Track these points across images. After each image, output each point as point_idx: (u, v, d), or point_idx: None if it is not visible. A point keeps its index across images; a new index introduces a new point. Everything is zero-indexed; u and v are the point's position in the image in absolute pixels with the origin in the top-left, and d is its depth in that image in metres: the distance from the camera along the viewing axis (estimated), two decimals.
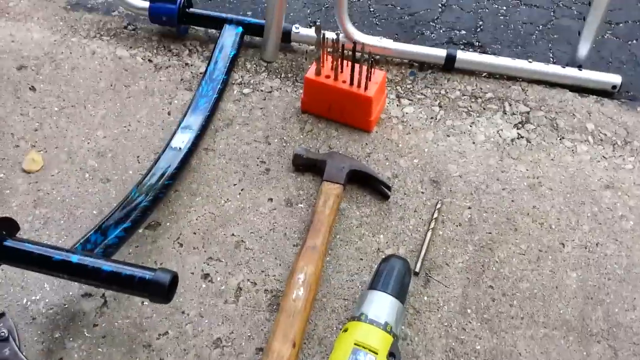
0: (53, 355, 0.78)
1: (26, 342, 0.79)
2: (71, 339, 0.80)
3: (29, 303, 0.83)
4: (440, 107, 1.15)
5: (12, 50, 1.20)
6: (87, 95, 1.14)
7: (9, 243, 0.75)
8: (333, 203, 0.94)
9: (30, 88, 1.14)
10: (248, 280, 0.88)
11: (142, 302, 0.84)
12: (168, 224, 0.94)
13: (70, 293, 0.85)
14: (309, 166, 1.02)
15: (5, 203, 0.95)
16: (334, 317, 0.84)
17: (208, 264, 0.89)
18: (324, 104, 1.10)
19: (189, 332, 0.82)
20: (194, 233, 0.93)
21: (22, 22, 1.27)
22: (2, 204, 0.95)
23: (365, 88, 1.05)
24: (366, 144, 1.07)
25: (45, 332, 0.80)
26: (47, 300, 0.84)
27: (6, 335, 0.78)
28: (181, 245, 0.92)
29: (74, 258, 0.73)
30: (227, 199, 0.98)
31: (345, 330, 0.75)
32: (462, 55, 1.21)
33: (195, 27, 1.29)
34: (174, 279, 0.73)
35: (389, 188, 0.98)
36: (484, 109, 1.16)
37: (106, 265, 0.73)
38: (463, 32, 1.37)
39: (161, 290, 0.72)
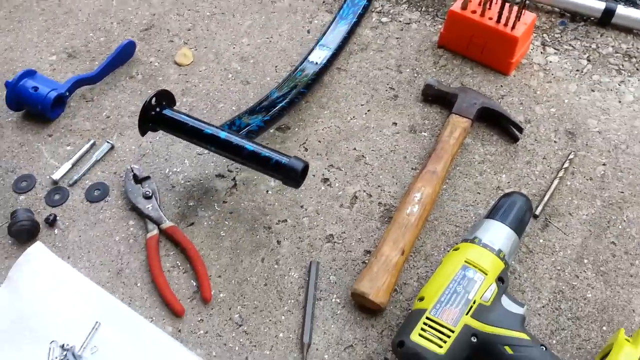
0: (186, 219, 0.91)
1: (165, 204, 0.92)
2: (203, 209, 0.92)
3: (170, 173, 0.96)
4: (589, 61, 1.12)
5: None
6: (236, 5, 1.24)
7: (167, 112, 0.87)
8: (459, 135, 0.97)
9: None
10: (364, 191, 0.95)
11: (267, 191, 0.94)
12: (296, 129, 1.03)
13: (206, 172, 0.97)
14: (438, 98, 1.05)
15: (158, 88, 1.09)
16: (443, 239, 0.88)
17: (328, 170, 0.97)
18: (463, 40, 1.11)
19: (305, 224, 0.90)
20: (319, 141, 1.01)
21: None
22: (156, 88, 1.09)
23: (513, 27, 1.04)
24: (501, 86, 1.08)
25: (182, 200, 0.93)
26: (185, 174, 0.96)
27: (150, 194, 0.92)
28: (306, 149, 1.00)
29: (222, 134, 0.84)
30: (353, 117, 1.05)
31: (456, 249, 0.79)
32: (623, 10, 1.15)
33: None
34: (305, 167, 0.82)
35: (520, 130, 0.99)
36: (638, 69, 1.10)
37: (249, 145, 0.83)
38: None
39: (294, 174, 0.80)
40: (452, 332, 0.70)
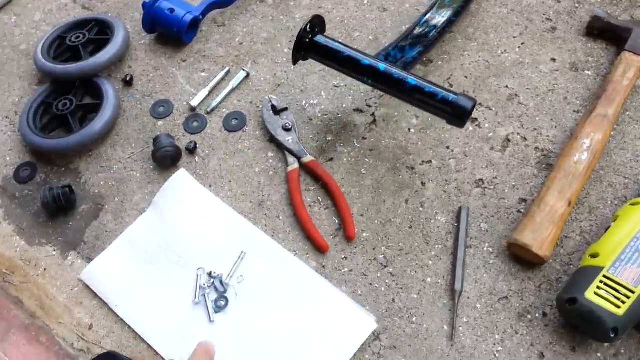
0: (325, 154, 0.90)
1: (303, 137, 0.92)
2: (342, 145, 0.90)
3: (307, 105, 0.95)
4: None
5: None
6: None
7: (321, 39, 0.83)
8: (633, 76, 0.88)
9: None
10: (518, 134, 0.89)
11: (409, 129, 0.91)
12: (440, 62, 0.97)
13: (344, 105, 0.94)
14: (605, 32, 0.95)
15: (290, 14, 1.06)
16: (610, 192, 0.82)
17: (477, 110, 0.92)
18: None
19: (452, 166, 0.87)
20: (465, 77, 0.95)
21: None
22: (287, 14, 1.06)
23: None
24: None
25: (320, 134, 0.92)
26: (322, 107, 0.94)
27: (290, 126, 0.91)
28: (451, 85, 0.95)
29: (381, 66, 0.79)
30: (505, 50, 0.97)
31: (635, 204, 0.73)
32: None
33: None
34: (474, 106, 0.76)
35: None
36: None
37: (411, 79, 0.78)
38: None
39: (462, 113, 0.76)
40: (633, 292, 0.66)
